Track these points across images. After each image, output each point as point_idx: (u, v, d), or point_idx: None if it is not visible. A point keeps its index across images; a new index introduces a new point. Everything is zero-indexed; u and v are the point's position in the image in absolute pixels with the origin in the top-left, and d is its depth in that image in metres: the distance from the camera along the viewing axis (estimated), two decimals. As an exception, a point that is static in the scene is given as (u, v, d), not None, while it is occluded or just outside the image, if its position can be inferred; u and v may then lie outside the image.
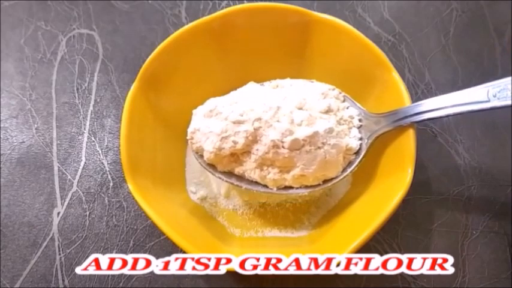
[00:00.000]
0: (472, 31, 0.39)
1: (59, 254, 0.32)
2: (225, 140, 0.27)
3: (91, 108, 0.37)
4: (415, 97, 0.36)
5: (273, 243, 0.30)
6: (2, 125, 0.36)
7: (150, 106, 0.30)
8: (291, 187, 0.28)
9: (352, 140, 0.28)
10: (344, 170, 0.28)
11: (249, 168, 0.28)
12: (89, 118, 0.37)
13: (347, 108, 0.29)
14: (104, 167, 0.35)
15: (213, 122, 0.27)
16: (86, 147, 0.35)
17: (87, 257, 0.31)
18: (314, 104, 0.28)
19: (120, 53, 0.39)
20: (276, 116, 0.26)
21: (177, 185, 0.32)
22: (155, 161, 0.30)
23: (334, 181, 0.28)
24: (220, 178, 0.29)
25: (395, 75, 0.28)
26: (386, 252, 0.31)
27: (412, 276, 0.30)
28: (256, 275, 0.30)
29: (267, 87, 0.30)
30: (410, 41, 0.39)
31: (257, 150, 0.27)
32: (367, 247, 0.31)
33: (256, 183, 0.28)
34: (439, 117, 0.26)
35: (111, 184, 0.34)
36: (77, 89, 0.38)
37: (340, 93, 0.30)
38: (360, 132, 0.28)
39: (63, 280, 0.31)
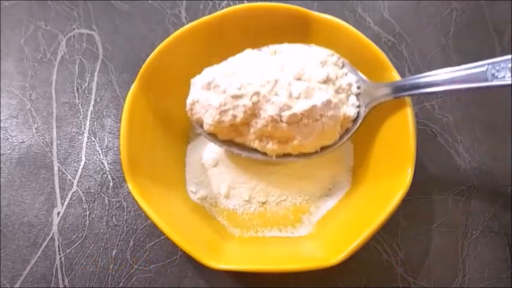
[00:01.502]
0: (472, 31, 0.39)
1: (59, 254, 0.32)
2: (224, 113, 0.27)
3: (91, 108, 0.37)
4: (415, 97, 0.36)
5: (273, 243, 0.30)
6: (2, 125, 0.36)
7: (150, 106, 0.30)
8: (289, 154, 0.29)
9: (350, 108, 0.28)
10: (341, 137, 0.29)
11: (248, 138, 0.28)
12: (89, 118, 0.37)
13: (346, 74, 0.29)
14: (104, 167, 0.35)
15: (212, 95, 0.28)
16: (86, 147, 0.35)
17: (87, 257, 0.31)
18: (312, 73, 0.27)
19: (120, 53, 0.39)
20: (274, 89, 0.27)
21: (177, 185, 0.32)
22: (155, 161, 0.30)
23: (331, 148, 0.29)
24: (221, 147, 0.30)
25: (395, 75, 0.28)
26: (386, 252, 0.31)
27: (412, 276, 0.30)
28: (256, 275, 0.30)
29: (264, 53, 0.30)
30: (410, 41, 0.39)
31: (256, 123, 0.27)
32: (367, 247, 0.31)
33: (256, 151, 0.29)
34: (436, 92, 0.26)
35: (111, 184, 0.34)
36: (77, 89, 0.38)
37: (339, 58, 0.29)
38: (358, 99, 0.28)
39: (63, 280, 0.31)
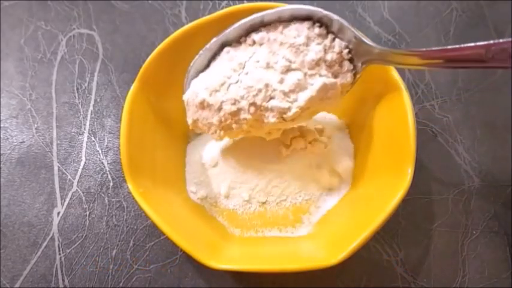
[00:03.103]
0: (472, 31, 0.39)
1: (59, 254, 0.32)
2: (227, 127, 0.28)
3: (91, 108, 0.37)
4: (415, 97, 0.36)
5: (273, 243, 0.30)
6: (2, 125, 0.36)
7: (150, 106, 0.30)
8: None
9: (346, 74, 0.27)
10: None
11: (257, 134, 0.29)
12: (89, 118, 0.37)
13: (333, 40, 0.27)
14: (104, 167, 0.35)
15: (208, 114, 0.28)
16: (86, 147, 0.35)
17: (87, 257, 0.31)
18: (299, 59, 0.27)
19: (120, 53, 0.39)
20: (267, 93, 0.26)
21: (177, 185, 0.32)
22: (155, 161, 0.30)
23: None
24: None
25: (395, 74, 0.28)
26: (386, 252, 0.31)
27: (412, 276, 0.30)
28: (256, 275, 0.30)
29: (244, 48, 0.28)
30: (410, 41, 0.39)
31: (262, 127, 0.27)
32: (367, 247, 0.31)
33: None
34: (433, 67, 0.25)
35: (111, 184, 0.34)
36: (77, 89, 0.38)
37: (320, 26, 0.27)
38: (351, 61, 0.28)
39: (63, 280, 0.31)
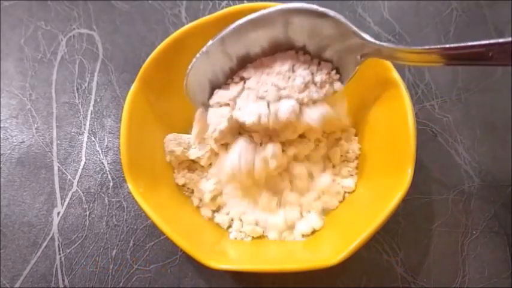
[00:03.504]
0: (472, 31, 0.39)
1: (59, 254, 0.32)
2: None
3: (91, 108, 0.37)
4: (415, 97, 0.36)
5: (273, 243, 0.30)
6: (2, 125, 0.36)
7: (150, 106, 0.30)
8: None
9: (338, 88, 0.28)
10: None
11: None
12: (89, 118, 0.37)
13: (319, 64, 0.28)
14: (104, 167, 0.35)
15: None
16: (86, 147, 0.35)
17: (87, 257, 0.31)
18: (289, 84, 0.27)
19: (120, 53, 0.39)
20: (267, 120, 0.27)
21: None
22: (155, 161, 0.30)
23: None
24: None
25: (395, 75, 0.28)
26: (386, 252, 0.31)
27: (412, 276, 0.30)
28: (256, 275, 0.30)
29: (234, 86, 0.29)
30: (410, 41, 0.39)
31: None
32: (367, 247, 0.31)
33: None
34: (433, 65, 0.25)
35: (111, 184, 0.34)
36: (77, 89, 0.38)
37: (304, 54, 0.28)
38: (340, 78, 0.28)
39: (63, 280, 0.31)
